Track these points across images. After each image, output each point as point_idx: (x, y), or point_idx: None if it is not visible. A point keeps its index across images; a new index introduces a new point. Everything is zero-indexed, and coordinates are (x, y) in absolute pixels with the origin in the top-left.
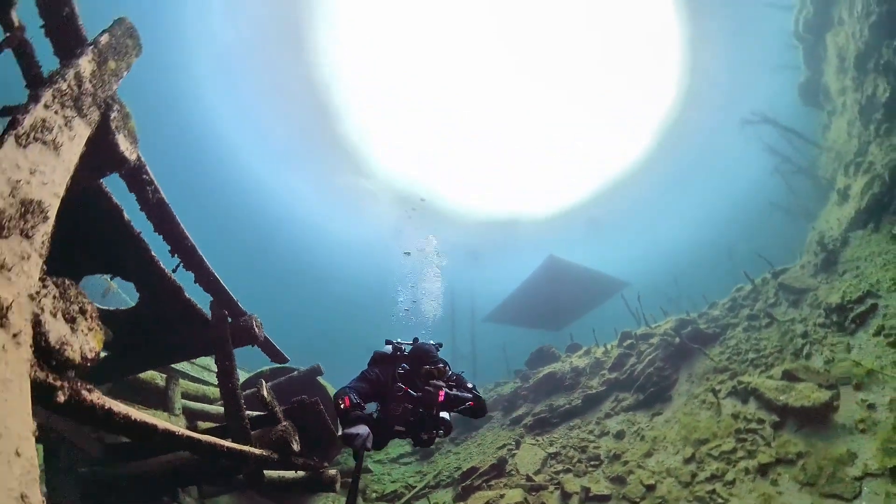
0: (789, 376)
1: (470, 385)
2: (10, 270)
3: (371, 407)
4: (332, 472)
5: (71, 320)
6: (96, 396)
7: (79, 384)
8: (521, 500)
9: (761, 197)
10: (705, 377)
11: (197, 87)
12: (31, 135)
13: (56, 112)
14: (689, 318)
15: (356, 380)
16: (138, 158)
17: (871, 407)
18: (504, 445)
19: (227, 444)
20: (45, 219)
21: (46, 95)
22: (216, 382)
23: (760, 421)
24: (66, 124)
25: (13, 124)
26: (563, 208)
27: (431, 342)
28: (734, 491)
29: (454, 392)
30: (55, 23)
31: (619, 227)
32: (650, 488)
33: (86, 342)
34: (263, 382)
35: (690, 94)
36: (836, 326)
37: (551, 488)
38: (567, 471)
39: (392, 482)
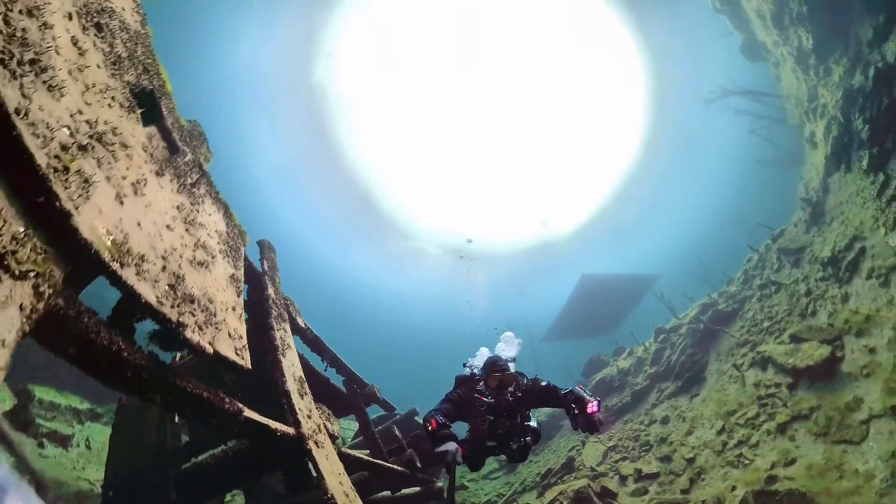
0: (796, 339)
1: (544, 383)
2: (311, 411)
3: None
4: (440, 484)
5: (328, 420)
6: (343, 449)
7: (338, 445)
8: (585, 485)
9: (751, 158)
10: (730, 353)
11: (263, 200)
12: (282, 347)
13: (280, 326)
14: (710, 301)
15: (441, 402)
16: (304, 323)
17: (873, 351)
18: (573, 447)
19: (386, 464)
20: (305, 382)
21: (276, 321)
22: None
23: (777, 385)
24: (285, 331)
25: (275, 349)
26: (585, 221)
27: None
28: (758, 451)
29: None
30: (248, 281)
31: (639, 225)
32: (690, 461)
33: (335, 428)
34: (394, 427)
35: (662, 83)
36: (833, 278)
37: (611, 474)
38: (624, 458)
39: (485, 494)
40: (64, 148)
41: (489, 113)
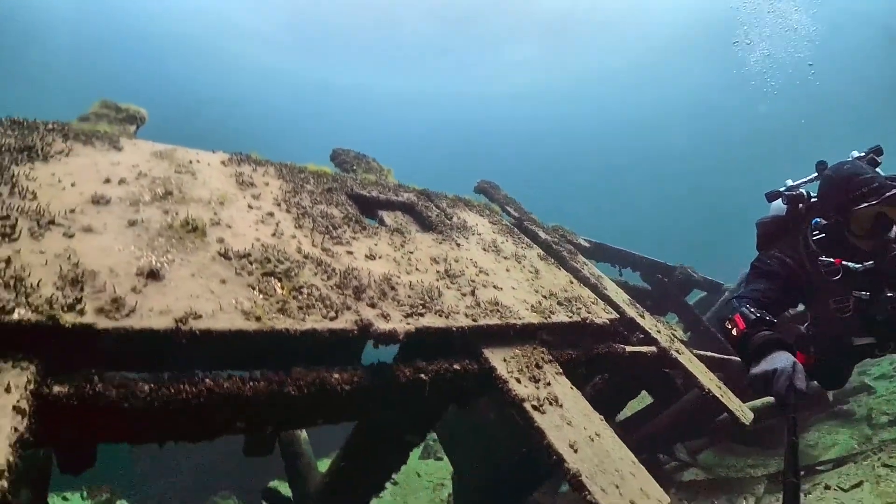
0: None
1: None
2: (657, 326)
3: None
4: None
5: (671, 328)
6: (694, 351)
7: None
8: None
9: None
10: None
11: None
12: (598, 282)
13: (579, 262)
14: None
15: (748, 282)
16: (584, 239)
17: None
18: None
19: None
20: (635, 302)
21: (571, 258)
22: None
23: None
24: (584, 262)
25: (594, 286)
26: None
27: (855, 154)
28: None
29: None
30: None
31: None
32: None
33: (680, 333)
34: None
35: None
36: None
37: None
38: None
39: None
40: None
41: None
